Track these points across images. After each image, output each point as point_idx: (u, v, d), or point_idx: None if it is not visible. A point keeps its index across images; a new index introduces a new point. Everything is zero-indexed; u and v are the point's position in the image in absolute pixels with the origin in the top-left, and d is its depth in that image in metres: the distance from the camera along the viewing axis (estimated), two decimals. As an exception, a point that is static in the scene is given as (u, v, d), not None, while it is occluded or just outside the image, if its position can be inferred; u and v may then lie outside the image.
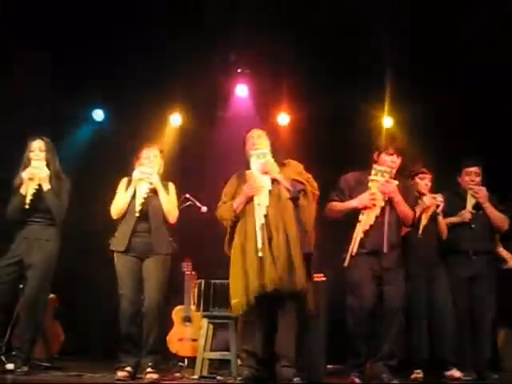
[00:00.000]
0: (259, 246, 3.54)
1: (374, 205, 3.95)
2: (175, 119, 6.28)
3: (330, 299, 4.52)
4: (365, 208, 3.96)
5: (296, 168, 3.89)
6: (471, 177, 4.59)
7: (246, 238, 3.64)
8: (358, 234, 3.93)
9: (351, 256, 3.92)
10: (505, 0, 5.11)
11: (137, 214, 4.09)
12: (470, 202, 4.54)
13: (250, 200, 3.72)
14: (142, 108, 5.98)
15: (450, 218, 4.52)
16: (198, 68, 5.85)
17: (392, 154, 4.06)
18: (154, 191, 4.18)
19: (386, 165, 4.04)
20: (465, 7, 5.22)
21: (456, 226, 4.51)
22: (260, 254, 3.53)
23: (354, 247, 3.91)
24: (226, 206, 3.84)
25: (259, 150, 3.84)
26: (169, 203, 4.21)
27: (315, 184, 3.85)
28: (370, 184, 4.00)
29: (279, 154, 3.91)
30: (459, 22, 5.28)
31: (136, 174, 4.18)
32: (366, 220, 3.94)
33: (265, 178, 3.74)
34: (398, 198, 3.99)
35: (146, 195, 4.13)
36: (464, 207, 4.53)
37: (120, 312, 4.05)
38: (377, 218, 3.95)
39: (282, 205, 3.68)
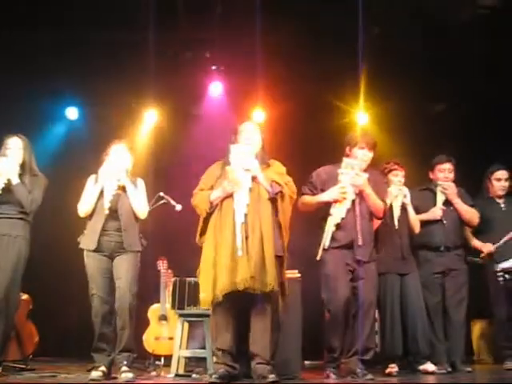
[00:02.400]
0: (238, 244, 3.53)
1: (345, 198, 3.98)
2: (150, 117, 6.29)
3: (305, 295, 4.55)
4: (335, 201, 4.00)
5: (278, 169, 3.87)
6: (445, 173, 4.63)
7: (220, 233, 3.61)
8: (329, 228, 3.96)
9: (324, 250, 3.96)
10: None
11: (106, 212, 4.06)
12: (440, 198, 4.59)
13: (228, 196, 3.69)
14: (116, 105, 5.99)
15: (421, 214, 4.58)
16: (173, 65, 5.88)
17: (363, 148, 4.09)
18: (122, 188, 4.16)
19: (359, 159, 4.07)
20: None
21: (427, 222, 4.57)
22: (240, 253, 3.51)
23: (326, 241, 3.94)
24: (202, 195, 3.78)
25: (248, 145, 3.77)
26: (137, 199, 4.18)
27: (294, 188, 3.84)
28: (339, 177, 4.03)
29: (266, 153, 3.87)
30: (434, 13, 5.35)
31: (103, 170, 4.15)
32: (337, 213, 3.97)
33: (246, 175, 3.70)
34: (368, 191, 4.02)
35: (114, 192, 4.10)
36: (435, 204, 4.59)
37: (92, 312, 4.04)
38: (348, 211, 3.99)
39: (261, 204, 3.66)
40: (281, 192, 3.72)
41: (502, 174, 4.88)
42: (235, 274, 3.50)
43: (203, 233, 3.76)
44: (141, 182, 4.29)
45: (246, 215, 3.60)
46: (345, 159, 4.09)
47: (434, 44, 5.61)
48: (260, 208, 3.65)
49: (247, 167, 3.70)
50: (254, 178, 3.71)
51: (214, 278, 3.54)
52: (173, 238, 5.58)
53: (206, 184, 3.85)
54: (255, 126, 3.94)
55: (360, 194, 4.03)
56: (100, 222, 4.07)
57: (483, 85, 5.71)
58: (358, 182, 4.00)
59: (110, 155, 4.22)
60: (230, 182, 3.66)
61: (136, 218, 4.19)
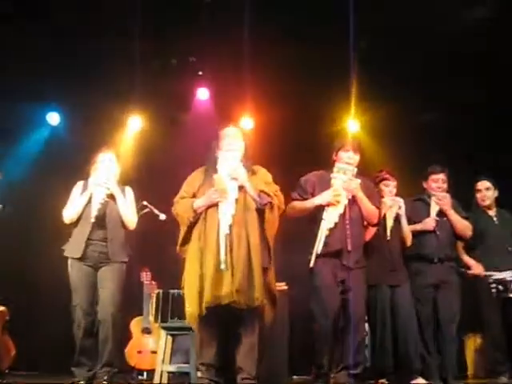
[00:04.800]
0: (222, 257, 3.47)
1: (338, 201, 3.98)
2: (134, 122, 6.29)
3: (293, 308, 4.56)
4: (328, 205, 3.99)
5: (265, 177, 3.83)
6: (438, 183, 4.63)
7: (205, 244, 3.57)
8: (322, 232, 3.94)
9: (317, 255, 3.93)
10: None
11: (92, 220, 4.07)
12: (434, 208, 4.57)
13: (213, 205, 3.65)
14: (100, 111, 5.96)
15: (415, 225, 4.57)
16: (159, 70, 5.89)
17: (348, 151, 4.11)
18: (111, 197, 4.18)
19: (344, 161, 4.09)
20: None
21: (420, 232, 4.55)
22: (223, 267, 3.46)
23: (318, 246, 3.92)
24: (185, 204, 3.72)
25: (232, 151, 3.76)
26: (126, 208, 4.21)
27: (282, 198, 3.80)
28: (332, 181, 4.04)
29: (249, 159, 3.83)
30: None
31: (93, 180, 4.18)
32: (330, 217, 3.96)
33: (232, 184, 3.66)
34: (361, 195, 4.04)
35: (102, 201, 4.13)
36: (428, 214, 4.57)
37: (74, 324, 4.02)
38: (340, 216, 3.98)
39: (248, 215, 3.62)
40: (270, 203, 3.68)
41: (481, 184, 4.92)
42: (220, 288, 3.46)
43: (185, 242, 3.71)
44: (129, 191, 4.32)
45: (231, 226, 3.55)
46: (337, 164, 4.10)
47: (426, 52, 5.65)
48: (247, 219, 3.61)
49: (234, 176, 3.67)
50: (240, 188, 3.67)
51: (199, 291, 3.50)
52: (156, 249, 5.55)
53: (187, 192, 3.80)
54: (238, 130, 3.90)
55: (352, 200, 4.03)
56: (86, 231, 4.09)
57: (473, 93, 5.75)
58: (351, 186, 4.00)
59: (98, 163, 4.25)
60: (217, 190, 3.62)
61: (123, 228, 4.21)
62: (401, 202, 4.47)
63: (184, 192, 3.81)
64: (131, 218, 4.24)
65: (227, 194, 3.61)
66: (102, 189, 4.14)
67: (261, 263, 3.56)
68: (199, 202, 3.68)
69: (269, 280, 3.66)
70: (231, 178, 3.67)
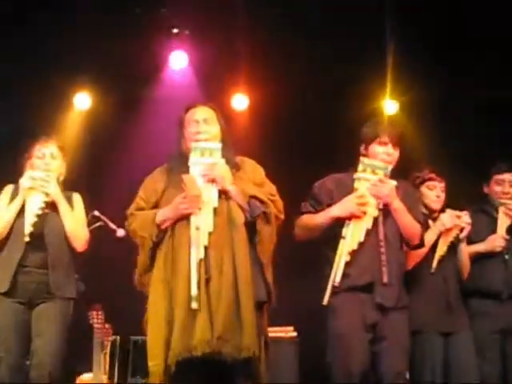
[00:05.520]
0: (193, 292, 3.46)
1: (364, 212, 3.92)
2: (81, 101, 6.31)
3: (304, 362, 4.57)
4: (350, 217, 3.93)
5: (253, 173, 3.84)
6: (504, 187, 4.65)
7: (173, 274, 3.56)
8: (341, 257, 3.87)
9: (333, 290, 3.87)
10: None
11: (26, 239, 4.06)
12: (503, 223, 4.58)
13: (182, 218, 3.63)
14: (36, 85, 5.98)
15: (475, 245, 4.55)
16: (114, 28, 5.86)
17: (386, 144, 4.06)
18: (51, 206, 4.19)
19: (379, 158, 4.05)
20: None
21: (482, 256, 4.54)
22: (194, 306, 3.45)
23: (336, 276, 3.87)
24: (144, 217, 3.72)
25: (205, 142, 3.75)
26: (74, 222, 4.23)
27: (280, 203, 3.79)
28: (355, 184, 3.99)
29: (230, 149, 3.83)
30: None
31: (25, 180, 4.17)
32: (352, 235, 3.90)
33: (210, 189, 3.65)
34: (398, 205, 3.97)
35: (39, 211, 4.13)
36: (493, 231, 4.58)
37: (-4, 382, 4.04)
38: (368, 233, 3.93)
39: (232, 231, 3.61)
40: (264, 213, 3.67)
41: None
42: (192, 334, 3.45)
43: (146, 271, 3.71)
44: (78, 199, 4.35)
45: (207, 248, 3.55)
46: (363, 159, 4.05)
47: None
48: (231, 237, 3.60)
49: (212, 176, 3.65)
50: (221, 193, 3.66)
51: (165, 338, 3.48)
52: (112, 278, 5.52)
53: (146, 200, 3.80)
54: (209, 111, 3.89)
55: (385, 210, 3.98)
56: (16, 254, 4.08)
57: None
58: (383, 191, 3.95)
59: (33, 158, 4.26)
60: (186, 197, 3.60)
61: (69, 250, 4.22)
62: (467, 222, 4.40)
63: (141, 201, 3.80)
64: (80, 236, 4.26)
65: (201, 202, 3.60)
66: (40, 195, 4.15)
67: (253, 297, 3.56)
68: (163, 214, 3.66)
69: (264, 321, 3.69)
70: (207, 180, 3.66)
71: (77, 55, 5.80)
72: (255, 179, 3.81)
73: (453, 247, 4.45)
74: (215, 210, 3.62)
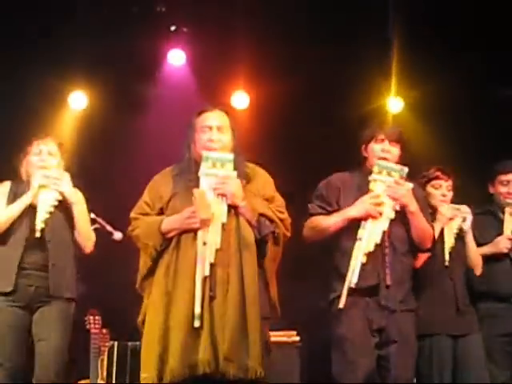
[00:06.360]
0: (197, 311, 3.43)
1: (380, 213, 3.91)
2: (77, 100, 6.30)
3: (307, 367, 4.56)
4: (367, 218, 3.92)
5: (264, 187, 3.81)
6: (509, 188, 4.65)
7: (174, 287, 3.53)
8: (357, 259, 3.86)
9: (349, 292, 3.86)
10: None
11: (37, 234, 4.04)
12: (509, 224, 4.58)
13: (189, 231, 3.60)
14: (31, 85, 5.96)
15: (481, 247, 4.53)
16: (111, 27, 5.88)
17: (382, 141, 4.07)
18: (59, 203, 4.18)
19: (376, 156, 4.05)
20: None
21: (490, 258, 4.53)
22: (196, 324, 3.42)
23: (352, 277, 3.84)
24: (149, 224, 3.70)
25: (217, 152, 3.69)
26: (88, 223, 4.30)
27: (288, 221, 3.78)
28: (371, 186, 3.98)
29: (242, 158, 3.79)
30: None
31: (38, 179, 4.15)
32: (369, 236, 3.89)
33: (220, 203, 3.60)
34: (414, 208, 3.97)
35: (52, 209, 4.13)
36: (500, 232, 4.57)
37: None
38: None
39: (242, 250, 3.58)
40: (273, 233, 3.67)
41: None
42: (195, 352, 3.42)
43: (147, 276, 3.70)
44: (81, 197, 4.33)
45: (213, 266, 3.51)
46: (378, 161, 4.04)
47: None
48: (240, 255, 3.58)
49: (222, 192, 3.60)
50: (231, 208, 3.62)
51: (160, 353, 3.44)
52: (108, 282, 5.56)
53: (152, 204, 3.77)
54: (223, 116, 3.85)
55: (400, 212, 3.97)
56: (16, 254, 4.07)
57: None
58: (400, 192, 3.93)
59: (30, 155, 4.26)
60: (196, 213, 3.56)
61: (72, 250, 4.23)
62: (467, 211, 4.43)
63: (146, 206, 3.78)
64: (91, 236, 4.30)
65: (211, 220, 3.55)
66: (52, 192, 4.14)
67: (259, 317, 3.54)
68: (170, 224, 3.64)
69: (267, 339, 3.69)
70: (217, 194, 3.61)
71: (73, 53, 5.79)
72: (265, 194, 3.79)
73: (460, 246, 4.45)
74: (223, 225, 3.59)
